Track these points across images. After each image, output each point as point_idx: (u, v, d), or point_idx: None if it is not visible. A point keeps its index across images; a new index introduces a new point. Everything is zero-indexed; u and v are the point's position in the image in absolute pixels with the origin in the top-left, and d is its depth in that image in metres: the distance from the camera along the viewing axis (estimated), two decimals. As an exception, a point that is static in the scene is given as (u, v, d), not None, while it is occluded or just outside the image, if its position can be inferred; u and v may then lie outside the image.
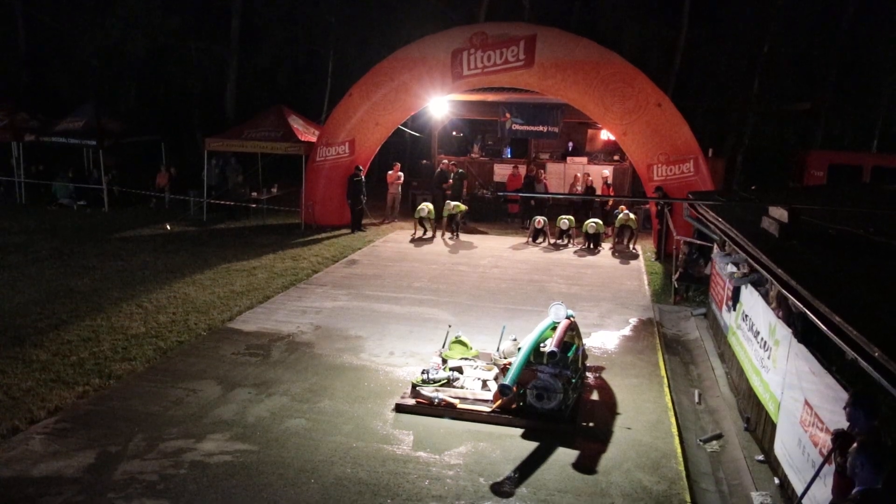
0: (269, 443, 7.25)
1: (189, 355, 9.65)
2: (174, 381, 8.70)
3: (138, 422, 7.60)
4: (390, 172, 20.89)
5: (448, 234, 18.89)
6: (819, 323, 5.13)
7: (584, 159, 22.39)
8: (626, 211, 17.84)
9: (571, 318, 8.82)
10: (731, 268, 9.79)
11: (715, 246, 11.87)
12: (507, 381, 7.50)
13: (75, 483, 6.36)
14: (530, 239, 18.64)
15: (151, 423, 7.59)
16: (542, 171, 21.75)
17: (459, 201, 20.71)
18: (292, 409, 8.08)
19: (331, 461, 6.92)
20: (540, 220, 18.37)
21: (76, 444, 7.06)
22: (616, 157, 21.98)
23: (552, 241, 18.22)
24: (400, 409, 8.15)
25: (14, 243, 15.96)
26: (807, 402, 6.23)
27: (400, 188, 21.17)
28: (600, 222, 17.78)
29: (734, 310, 9.76)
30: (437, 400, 8.10)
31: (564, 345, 8.12)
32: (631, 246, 17.92)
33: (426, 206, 18.69)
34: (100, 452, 6.92)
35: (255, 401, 8.25)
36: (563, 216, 18.31)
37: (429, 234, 18.95)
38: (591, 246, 17.80)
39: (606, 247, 18.00)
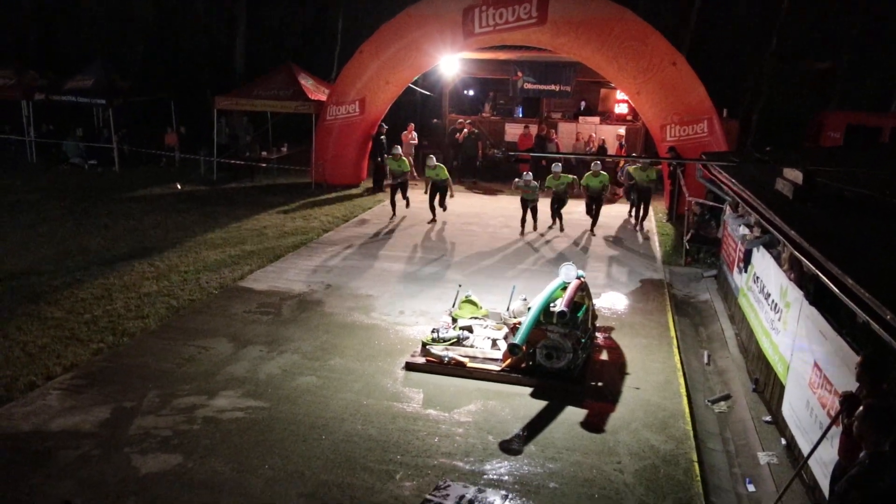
0: (281, 399, 7.34)
1: (201, 313, 9.73)
2: (186, 339, 8.80)
3: (152, 378, 7.71)
4: (404, 133, 20.75)
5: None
6: (831, 285, 5.11)
7: (597, 119, 22.15)
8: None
9: (582, 279, 8.82)
10: (743, 230, 9.74)
11: (727, 207, 11.79)
12: (517, 340, 7.54)
13: (92, 437, 6.48)
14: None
15: (165, 379, 7.70)
16: (554, 130, 21.55)
17: (475, 162, 20.66)
18: (303, 366, 8.17)
19: (341, 418, 7.01)
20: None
21: (92, 400, 7.18)
22: (630, 118, 21.73)
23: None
24: (410, 367, 8.23)
25: (26, 202, 16.03)
26: (816, 365, 6.24)
27: (414, 149, 20.99)
28: (604, 175, 15.11)
29: (745, 272, 9.73)
30: (446, 359, 8.16)
31: (574, 305, 8.13)
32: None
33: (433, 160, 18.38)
34: (115, 408, 7.03)
35: (267, 358, 8.34)
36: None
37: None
38: (594, 208, 15.19)
39: (620, 208, 17.85)
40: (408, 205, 16.54)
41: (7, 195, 16.62)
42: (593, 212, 15.31)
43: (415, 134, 20.95)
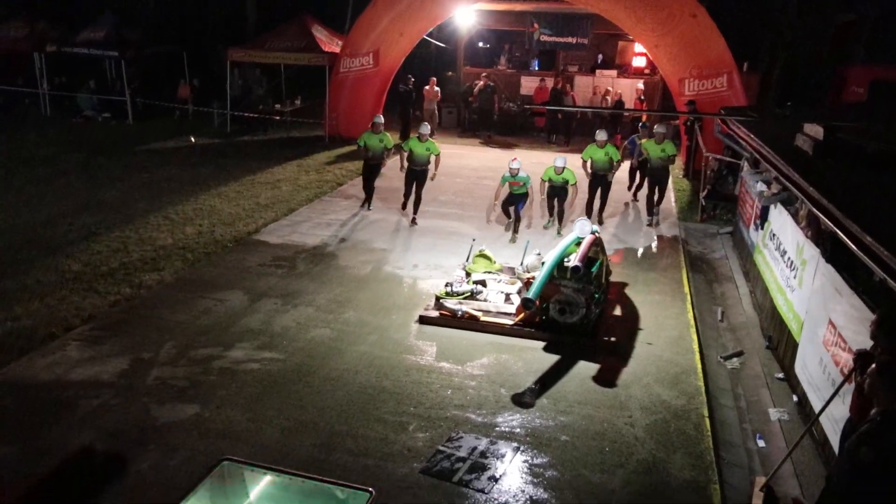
0: (295, 352, 7.43)
1: (216, 266, 9.80)
2: (202, 292, 8.88)
3: (168, 330, 7.80)
4: (427, 88, 20.47)
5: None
6: (849, 243, 5.06)
7: (614, 73, 21.80)
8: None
9: (596, 234, 8.78)
10: (760, 186, 9.63)
11: (745, 164, 11.64)
12: (531, 294, 7.55)
13: (111, 387, 6.60)
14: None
15: (181, 331, 7.79)
16: (570, 84, 21.24)
17: (490, 116, 20.37)
18: (317, 319, 8.23)
19: (355, 370, 7.08)
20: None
21: (110, 351, 7.29)
22: (648, 72, 21.36)
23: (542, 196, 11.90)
24: (423, 320, 8.27)
25: (41, 156, 16.07)
26: (831, 322, 6.21)
27: (436, 103, 20.66)
28: (612, 148, 12.46)
29: (761, 229, 9.65)
30: (460, 312, 8.19)
31: (588, 260, 8.11)
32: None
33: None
34: (133, 359, 7.14)
35: (281, 311, 8.41)
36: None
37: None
38: (601, 191, 12.53)
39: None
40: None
41: (22, 148, 16.66)
42: (599, 196, 12.45)
43: (437, 89, 20.56)
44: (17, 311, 8.06)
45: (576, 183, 11.69)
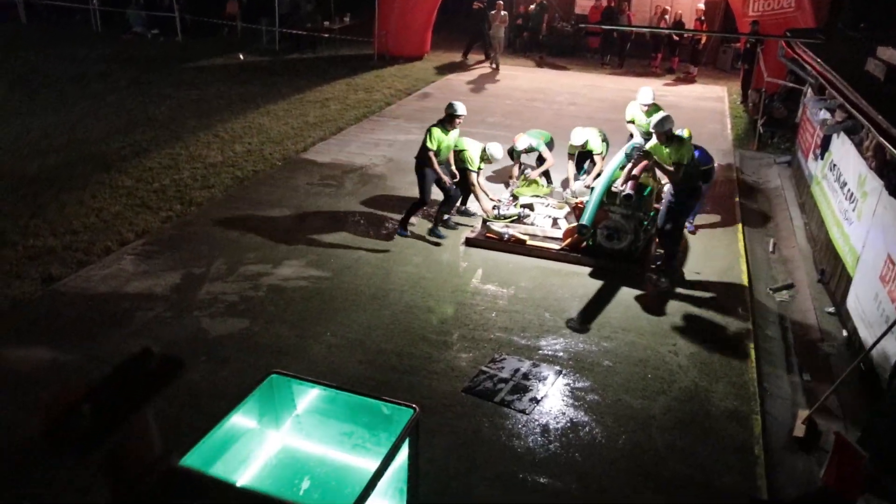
0: (343, 270, 7.52)
1: (265, 184, 9.89)
2: (251, 209, 8.99)
3: (218, 246, 7.96)
4: (493, 13, 19.78)
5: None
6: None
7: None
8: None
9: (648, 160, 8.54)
10: (823, 114, 9.21)
11: (808, 90, 11.14)
12: (585, 220, 7.45)
13: (164, 300, 6.81)
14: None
15: (231, 247, 7.94)
16: (627, 2, 20.39)
17: (540, 36, 19.85)
18: (365, 239, 8.29)
19: (401, 290, 7.16)
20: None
21: (163, 266, 7.48)
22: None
23: None
24: (470, 243, 8.27)
25: (94, 72, 16.21)
26: (889, 258, 6.01)
27: (503, 29, 19.23)
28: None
29: (822, 159, 9.29)
30: (506, 235, 8.16)
31: (639, 186, 7.93)
32: None
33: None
34: (184, 274, 7.33)
35: (329, 230, 8.48)
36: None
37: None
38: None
39: (692, 88, 17.07)
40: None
41: (74, 65, 16.81)
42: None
43: (504, 13, 19.22)
44: (75, 225, 8.29)
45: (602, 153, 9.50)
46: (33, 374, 5.65)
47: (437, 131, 8.11)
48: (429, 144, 8.03)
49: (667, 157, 7.42)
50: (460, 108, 8.25)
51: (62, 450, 1.17)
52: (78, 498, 4.30)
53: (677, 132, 7.51)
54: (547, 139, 9.54)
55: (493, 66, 18.80)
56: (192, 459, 3.32)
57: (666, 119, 7.47)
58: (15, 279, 7.03)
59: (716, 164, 8.18)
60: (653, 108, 9.14)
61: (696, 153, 7.75)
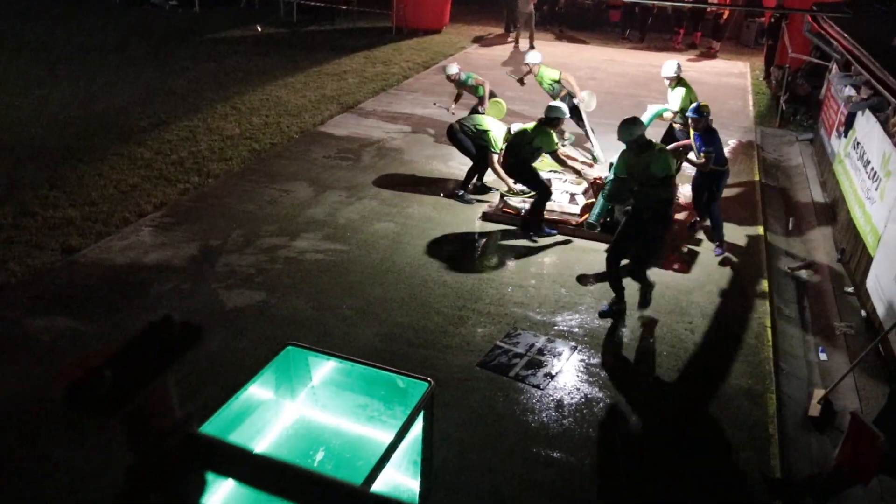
0: (359, 243, 7.54)
1: (282, 157, 9.89)
2: (268, 182, 9.01)
3: (236, 219, 7.99)
4: None
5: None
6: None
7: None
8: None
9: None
10: (849, 91, 9.04)
11: (833, 66, 10.93)
12: (592, 219, 7.58)
13: (182, 272, 6.86)
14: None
15: (248, 220, 7.97)
16: (649, -25, 20.03)
17: (558, 8, 19.52)
18: (381, 212, 8.29)
19: (418, 264, 7.16)
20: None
21: (181, 237, 7.53)
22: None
23: None
24: (487, 217, 8.25)
25: (112, 43, 16.22)
26: (913, 234, 5.93)
27: (534, 5, 18.24)
28: None
29: (845, 136, 9.14)
30: (524, 210, 8.12)
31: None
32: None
33: None
34: (202, 245, 7.37)
35: (346, 203, 8.49)
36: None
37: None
38: None
39: (714, 64, 16.80)
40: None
41: (93, 36, 16.83)
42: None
43: None
44: (94, 196, 8.35)
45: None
46: (54, 344, 5.73)
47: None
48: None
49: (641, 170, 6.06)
50: (560, 111, 7.67)
51: (85, 411, 1.18)
52: (100, 459, 4.38)
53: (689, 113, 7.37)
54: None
55: (516, 43, 18.28)
56: (210, 427, 3.37)
57: (633, 124, 6.05)
58: (35, 249, 7.10)
59: (728, 167, 7.64)
60: (675, 81, 8.99)
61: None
